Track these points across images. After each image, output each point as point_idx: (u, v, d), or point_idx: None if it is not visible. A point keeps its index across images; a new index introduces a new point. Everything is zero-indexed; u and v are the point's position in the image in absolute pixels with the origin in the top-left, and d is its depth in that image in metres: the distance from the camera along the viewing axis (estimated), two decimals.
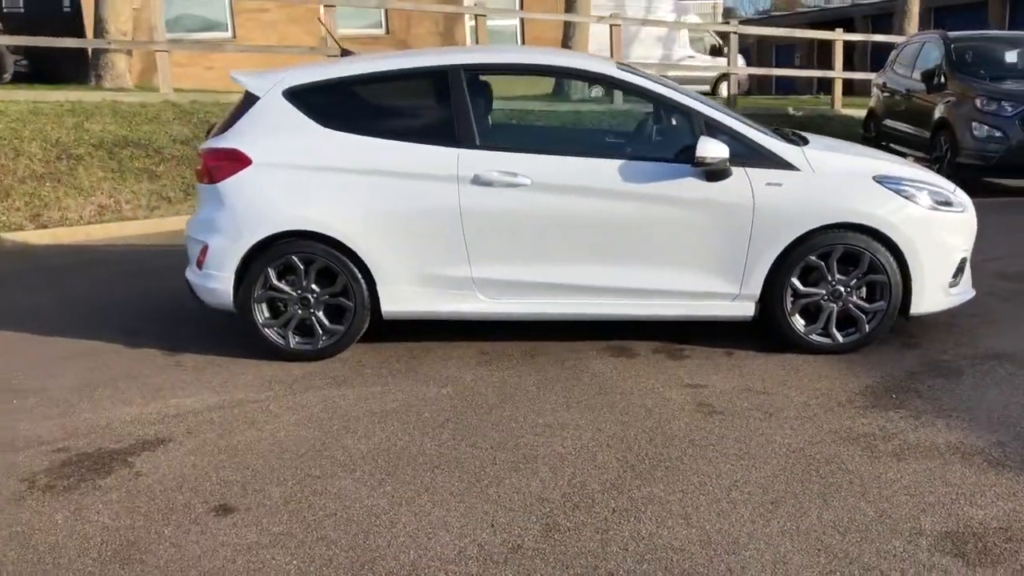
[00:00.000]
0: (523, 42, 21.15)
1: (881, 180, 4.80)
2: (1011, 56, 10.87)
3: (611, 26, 12.87)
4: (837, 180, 4.76)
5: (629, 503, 3.34)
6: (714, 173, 4.61)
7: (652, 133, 4.95)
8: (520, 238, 4.74)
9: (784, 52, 36.37)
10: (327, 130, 4.80)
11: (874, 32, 22.34)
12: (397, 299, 4.83)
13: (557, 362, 4.86)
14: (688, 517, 3.23)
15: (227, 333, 5.36)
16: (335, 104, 4.88)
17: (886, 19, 30.57)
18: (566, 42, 14.68)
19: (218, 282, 4.83)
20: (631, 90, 4.85)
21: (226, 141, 4.84)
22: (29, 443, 3.99)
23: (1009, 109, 9.51)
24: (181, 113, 10.50)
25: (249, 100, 4.92)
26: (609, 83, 4.88)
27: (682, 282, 4.78)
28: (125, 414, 4.29)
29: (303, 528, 3.22)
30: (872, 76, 15.09)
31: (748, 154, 4.69)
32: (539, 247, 4.76)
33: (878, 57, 17.66)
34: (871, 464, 3.60)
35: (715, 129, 4.69)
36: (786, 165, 4.71)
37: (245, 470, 3.68)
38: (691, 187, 4.66)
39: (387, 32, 20.61)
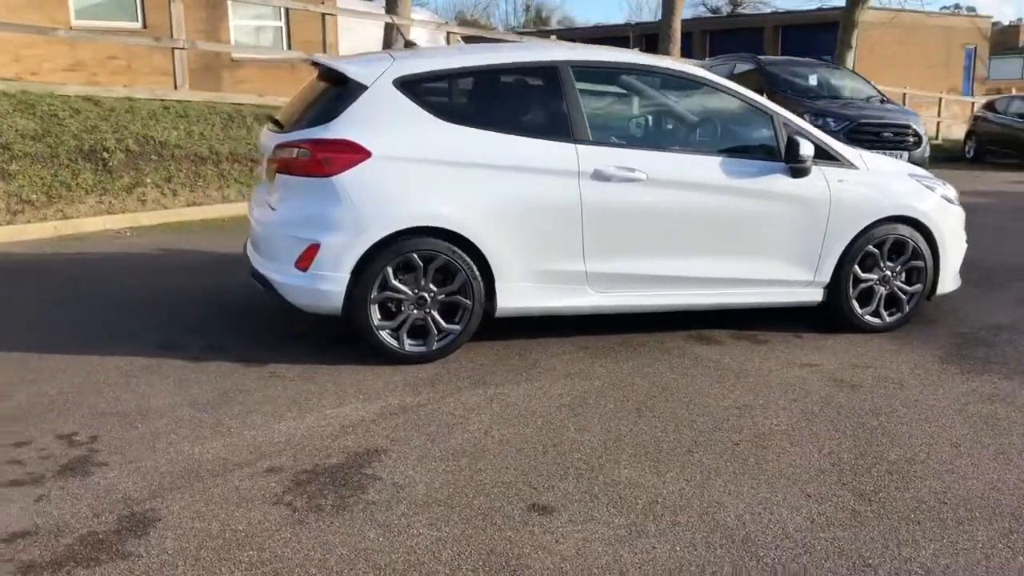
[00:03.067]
0: (289, 45, 20.42)
1: (916, 178, 5.51)
2: (812, 79, 12.47)
3: (448, 33, 13.02)
4: (888, 178, 5.39)
5: (892, 466, 3.66)
6: (801, 171, 5.05)
7: (738, 132, 5.28)
8: (632, 232, 4.88)
9: None
10: (443, 122, 4.64)
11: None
12: (512, 296, 4.78)
13: (663, 351, 5.05)
14: (958, 471, 3.61)
15: (281, 338, 5.06)
16: (447, 96, 4.74)
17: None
18: (386, 45, 14.58)
19: (332, 283, 4.49)
20: (726, 93, 5.16)
21: (337, 132, 4.51)
22: (226, 466, 3.53)
23: (833, 124, 10.95)
24: (19, 104, 9.19)
25: (351, 88, 4.62)
26: (707, 86, 5.15)
27: (770, 271, 5.17)
28: (295, 428, 3.90)
29: (643, 518, 3.20)
30: None
31: (820, 154, 5.17)
32: (649, 240, 4.93)
33: None
34: None
35: (793, 131, 5.13)
36: (849, 164, 5.27)
37: (507, 471, 3.54)
38: (782, 183, 5.07)
39: (144, 27, 19.05)
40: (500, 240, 4.65)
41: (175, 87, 10.87)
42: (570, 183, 4.72)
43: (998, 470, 3.63)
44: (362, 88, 4.59)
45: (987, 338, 5.46)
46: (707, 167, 4.96)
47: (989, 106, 23.21)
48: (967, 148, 21.93)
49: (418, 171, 4.55)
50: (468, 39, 15.30)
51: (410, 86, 4.65)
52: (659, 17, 23.62)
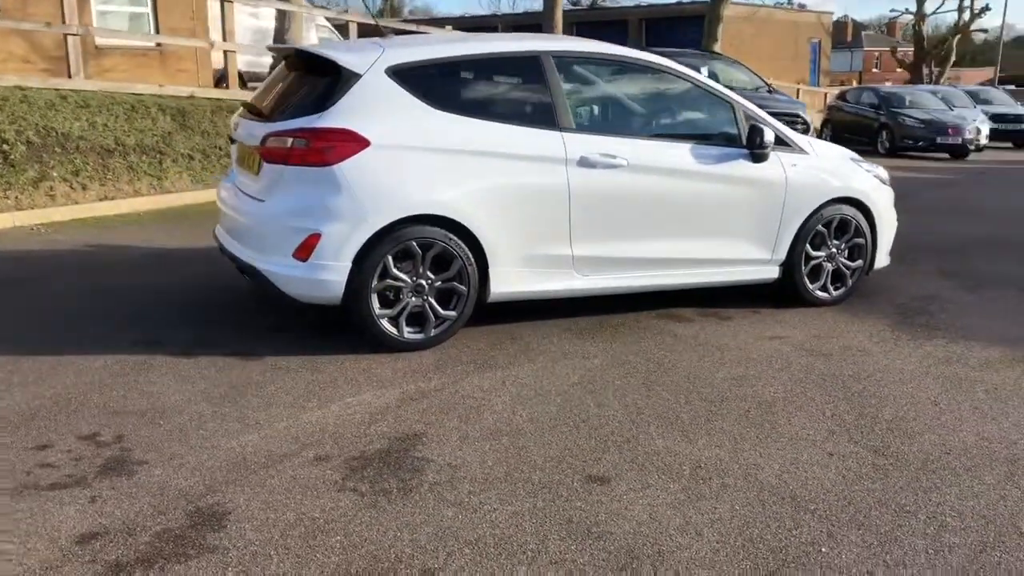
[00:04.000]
0: (156, 32, 19.55)
1: (855, 161, 5.95)
2: (704, 71, 13.01)
3: (351, 22, 12.86)
4: (833, 162, 5.81)
5: (889, 424, 4.00)
6: (762, 156, 5.39)
7: (705, 120, 5.54)
8: (614, 216, 5.09)
9: None
10: (436, 111, 4.70)
11: None
12: (504, 281, 4.90)
13: (642, 330, 5.28)
14: (947, 425, 3.98)
15: (265, 331, 5.07)
16: (439, 84, 4.78)
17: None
18: (279, 35, 14.25)
19: (333, 273, 4.49)
20: (691, 83, 5.43)
21: (334, 120, 4.50)
22: (271, 458, 3.52)
23: None
24: None
25: (344, 77, 4.61)
26: (680, 78, 5.40)
27: (735, 251, 5.49)
28: (323, 418, 3.91)
29: (694, 483, 3.40)
30: None
31: (775, 140, 5.51)
32: (629, 224, 5.14)
33: None
34: (994, 374, 4.65)
35: (751, 119, 5.46)
36: (799, 149, 5.64)
37: (550, 446, 3.67)
38: (744, 168, 5.39)
39: None
40: (494, 227, 4.75)
41: (69, 75, 10.33)
42: (558, 170, 4.87)
43: (979, 423, 4.03)
44: (355, 77, 4.59)
45: (922, 307, 5.97)
46: (680, 153, 5.22)
47: (841, 96, 24.83)
48: (823, 135, 23.34)
49: (415, 159, 4.59)
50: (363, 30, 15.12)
51: (402, 74, 4.68)
52: (518, 9, 24.07)
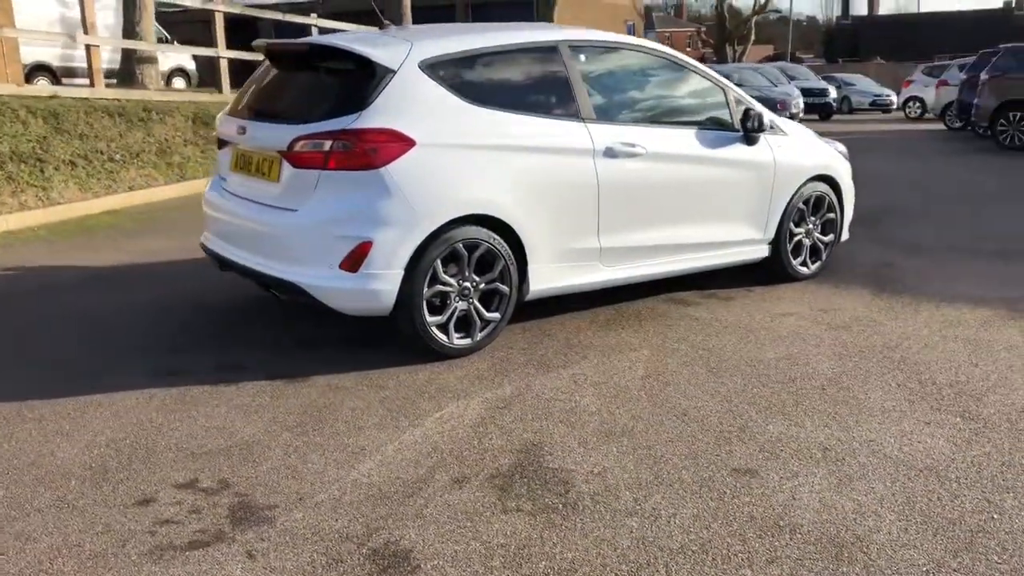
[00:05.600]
0: None
1: (823, 140, 6.23)
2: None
3: (216, 12, 12.05)
4: (808, 141, 6.05)
5: (953, 389, 4.22)
6: (754, 139, 5.54)
7: (702, 105, 5.57)
8: (635, 205, 5.08)
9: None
10: (471, 105, 4.53)
11: None
12: (541, 278, 4.80)
13: (662, 316, 5.33)
14: (1001, 384, 4.24)
15: (289, 349, 4.75)
16: (469, 78, 4.59)
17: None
18: (128, 26, 13.22)
19: (384, 282, 4.24)
20: (691, 70, 5.49)
21: (375, 120, 4.24)
22: (407, 486, 3.30)
23: None
24: None
25: (379, 73, 4.35)
26: (678, 64, 5.43)
27: (737, 232, 5.63)
28: (426, 437, 3.70)
29: (835, 465, 3.46)
30: None
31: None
32: (647, 212, 5.15)
33: None
34: (999, 333, 4.99)
35: (741, 103, 5.60)
36: (780, 131, 5.84)
37: (673, 443, 3.63)
38: (742, 151, 5.52)
39: None
40: (534, 223, 4.64)
41: None
42: (587, 161, 4.81)
43: None
44: (389, 72, 4.33)
45: (887, 274, 6.34)
46: (688, 139, 5.28)
47: None
48: None
49: (458, 157, 4.40)
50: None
51: (435, 69, 4.46)
52: None
